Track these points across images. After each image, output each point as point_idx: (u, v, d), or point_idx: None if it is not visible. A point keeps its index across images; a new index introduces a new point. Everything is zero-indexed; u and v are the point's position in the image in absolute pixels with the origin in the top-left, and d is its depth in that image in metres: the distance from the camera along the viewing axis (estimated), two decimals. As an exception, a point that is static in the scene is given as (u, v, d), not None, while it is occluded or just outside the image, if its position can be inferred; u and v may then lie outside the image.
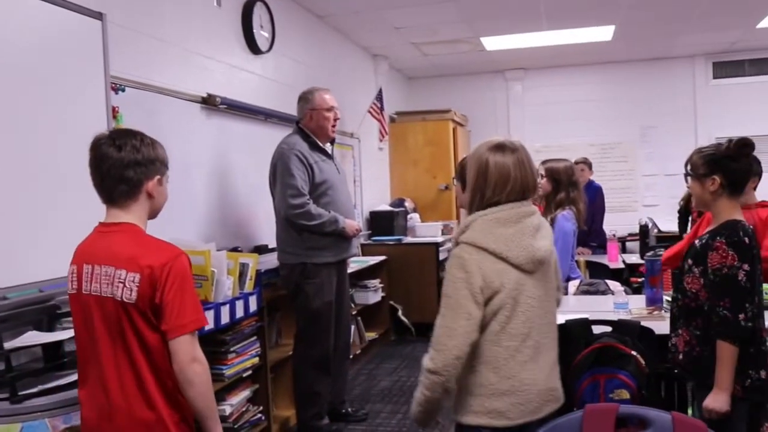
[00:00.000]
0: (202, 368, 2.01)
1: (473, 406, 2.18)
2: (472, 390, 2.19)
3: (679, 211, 5.96)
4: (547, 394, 2.21)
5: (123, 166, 2.03)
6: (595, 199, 6.66)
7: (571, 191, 4.27)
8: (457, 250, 2.19)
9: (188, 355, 1.97)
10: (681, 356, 2.61)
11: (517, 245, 2.15)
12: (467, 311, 2.10)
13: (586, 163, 6.95)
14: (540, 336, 2.21)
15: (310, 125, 4.33)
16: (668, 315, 3.36)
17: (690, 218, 5.69)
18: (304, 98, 4.39)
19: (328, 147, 4.41)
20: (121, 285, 1.97)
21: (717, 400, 2.44)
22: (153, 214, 2.17)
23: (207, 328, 3.17)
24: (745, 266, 2.43)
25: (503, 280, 2.13)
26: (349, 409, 4.70)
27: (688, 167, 2.66)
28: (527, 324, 2.17)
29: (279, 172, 4.15)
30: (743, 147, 2.53)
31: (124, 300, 1.97)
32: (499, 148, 2.24)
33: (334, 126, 4.38)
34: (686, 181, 2.70)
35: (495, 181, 2.21)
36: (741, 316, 2.41)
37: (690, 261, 2.61)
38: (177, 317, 1.96)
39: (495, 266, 2.13)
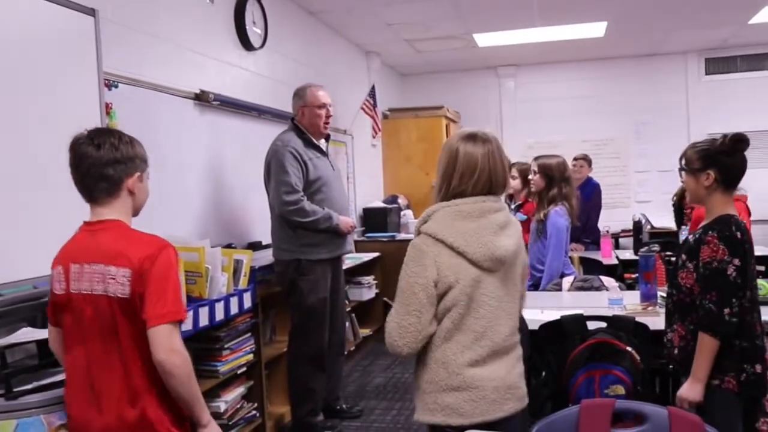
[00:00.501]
0: (180, 358, 1.99)
1: (428, 404, 2.18)
2: (425, 387, 2.19)
3: (674, 206, 5.99)
4: (506, 392, 2.17)
5: (102, 164, 2.04)
6: (591, 196, 6.67)
7: (564, 187, 4.28)
8: (417, 240, 2.18)
9: (165, 345, 1.96)
10: (676, 351, 2.61)
11: (476, 241, 2.12)
12: (418, 308, 2.10)
13: (586, 160, 6.96)
14: (497, 337, 2.17)
15: (303, 122, 4.33)
16: (663, 311, 3.38)
17: (684, 213, 5.71)
18: (298, 95, 4.39)
19: (322, 144, 4.41)
20: (113, 281, 1.98)
21: (691, 390, 2.46)
22: (135, 212, 2.18)
23: (201, 324, 3.18)
24: (736, 261, 2.44)
25: (459, 275, 2.11)
26: (344, 406, 4.70)
27: (683, 162, 2.66)
28: (482, 323, 2.14)
29: (273, 169, 4.15)
30: (738, 142, 2.53)
31: (118, 296, 1.97)
32: (471, 138, 2.24)
33: (327, 123, 4.37)
34: (680, 175, 2.71)
35: (462, 171, 2.20)
36: (726, 310, 2.42)
37: (684, 256, 2.62)
38: (156, 307, 1.96)
39: (451, 260, 2.11)
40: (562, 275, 4.23)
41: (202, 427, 2.10)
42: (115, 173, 2.06)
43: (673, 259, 4.98)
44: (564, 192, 4.27)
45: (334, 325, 4.46)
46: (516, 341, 2.28)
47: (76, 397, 2.07)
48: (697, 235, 2.59)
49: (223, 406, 3.47)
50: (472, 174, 2.19)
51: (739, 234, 2.47)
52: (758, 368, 2.48)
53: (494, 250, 2.13)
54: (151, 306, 1.96)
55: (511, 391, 2.19)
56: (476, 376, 2.13)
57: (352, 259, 6.21)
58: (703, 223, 2.62)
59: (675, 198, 5.89)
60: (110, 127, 2.15)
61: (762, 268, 5.32)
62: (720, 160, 2.54)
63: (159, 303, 1.97)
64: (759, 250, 5.10)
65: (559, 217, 4.19)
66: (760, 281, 2.99)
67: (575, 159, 6.82)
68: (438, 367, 2.15)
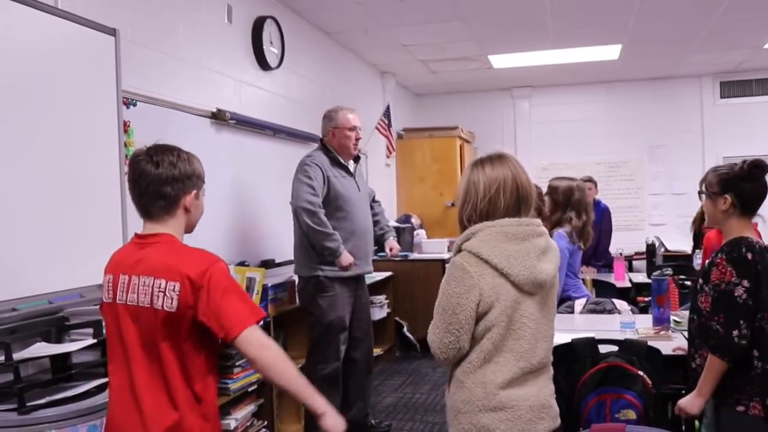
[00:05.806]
0: (273, 352, 2.00)
1: (463, 424, 2.17)
2: (461, 407, 2.18)
3: (693, 233, 5.97)
4: (540, 411, 2.17)
5: (160, 182, 2.03)
6: (600, 220, 6.62)
7: (569, 212, 4.27)
8: (459, 258, 2.17)
9: (255, 344, 1.97)
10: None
11: (519, 263, 2.12)
12: (457, 328, 2.11)
13: (592, 181, 6.93)
14: (534, 359, 2.17)
15: (333, 143, 4.41)
16: (675, 335, 3.37)
17: (700, 238, 5.69)
18: (329, 116, 4.46)
19: (351, 165, 4.49)
20: (161, 294, 1.96)
21: (692, 403, 2.54)
22: (190, 228, 2.17)
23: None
24: (745, 282, 2.43)
25: (499, 296, 2.11)
26: (373, 422, 4.70)
27: (703, 186, 2.69)
28: (521, 344, 2.14)
29: (298, 173, 4.23)
30: (754, 168, 2.57)
31: (165, 309, 1.95)
32: (488, 160, 2.26)
33: (356, 144, 4.47)
34: (700, 199, 2.74)
35: (487, 193, 2.20)
36: (735, 332, 2.41)
37: (701, 280, 2.64)
38: (233, 318, 1.95)
39: (493, 280, 2.11)
40: (570, 297, 4.22)
41: (319, 417, 2.02)
42: (172, 191, 2.05)
43: (687, 282, 4.97)
44: (566, 217, 4.26)
45: (360, 343, 4.49)
46: (548, 362, 2.28)
47: (119, 406, 2.05)
48: (710, 259, 2.60)
49: (233, 424, 3.48)
50: (498, 195, 2.19)
51: (750, 255, 2.47)
52: None
53: (537, 275, 2.14)
54: (229, 320, 1.95)
55: (545, 411, 2.19)
56: (512, 396, 2.13)
57: (364, 279, 6.20)
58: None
59: (693, 226, 5.88)
60: (169, 144, 2.13)
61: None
62: (738, 185, 2.57)
63: (232, 314, 1.96)
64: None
65: (560, 239, 4.16)
66: None
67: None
68: (476, 387, 2.14)
